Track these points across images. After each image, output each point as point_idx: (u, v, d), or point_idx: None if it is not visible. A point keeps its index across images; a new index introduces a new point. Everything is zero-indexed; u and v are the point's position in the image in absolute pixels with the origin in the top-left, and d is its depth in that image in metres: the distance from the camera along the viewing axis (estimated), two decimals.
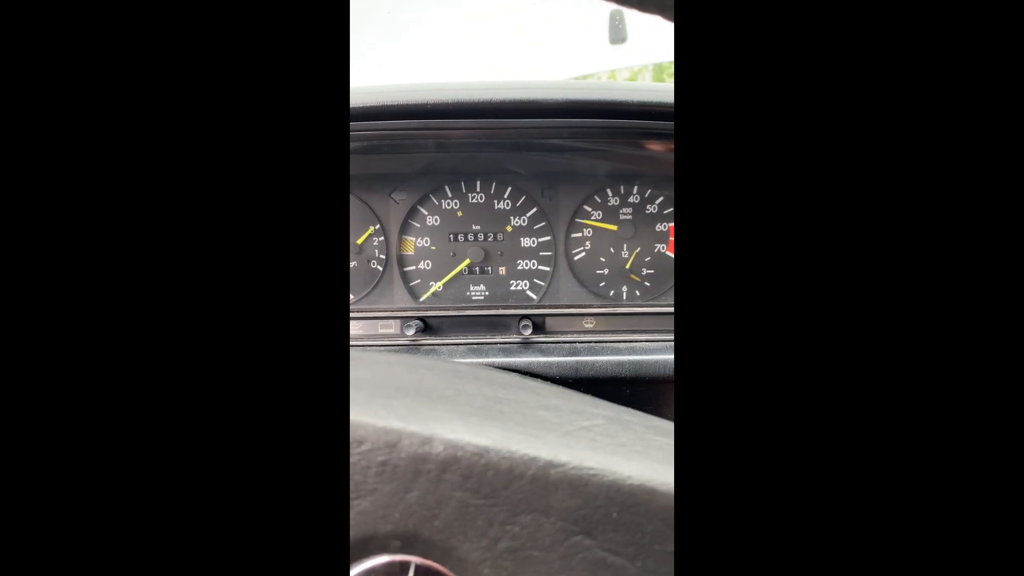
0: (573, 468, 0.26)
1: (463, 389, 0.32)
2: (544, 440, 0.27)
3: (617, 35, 1.67)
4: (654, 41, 1.72)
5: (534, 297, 0.92)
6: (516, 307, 0.91)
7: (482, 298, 0.92)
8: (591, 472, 0.26)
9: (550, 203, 0.91)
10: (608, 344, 0.88)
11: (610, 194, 0.90)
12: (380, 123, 0.75)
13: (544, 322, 0.91)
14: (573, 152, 0.88)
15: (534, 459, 0.26)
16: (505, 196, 0.90)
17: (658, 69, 2.13)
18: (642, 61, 1.99)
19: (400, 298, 0.92)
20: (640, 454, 0.28)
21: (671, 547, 0.25)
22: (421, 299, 0.92)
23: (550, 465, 0.26)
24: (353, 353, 0.33)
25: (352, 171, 0.88)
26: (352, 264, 0.92)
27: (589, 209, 0.90)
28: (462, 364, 0.34)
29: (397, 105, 0.73)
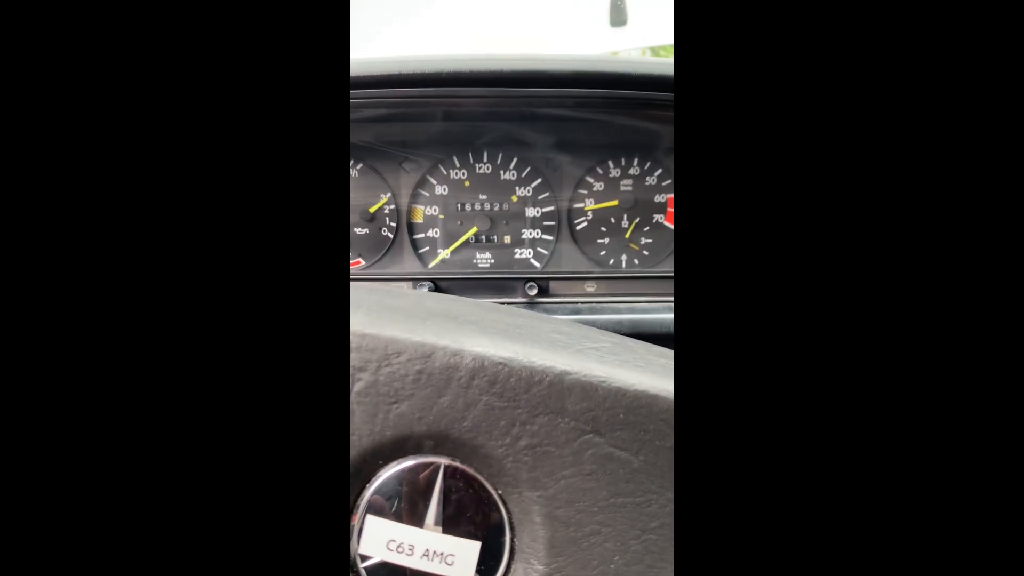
0: (585, 376, 0.30)
1: (486, 316, 0.35)
2: (559, 354, 0.31)
3: (618, 17, 1.67)
4: (655, 24, 1.73)
5: (537, 265, 0.96)
6: (520, 274, 0.95)
7: (488, 266, 0.96)
8: (600, 379, 0.30)
9: (554, 174, 0.94)
10: (608, 304, 0.92)
11: (611, 165, 0.93)
12: (396, 91, 0.78)
13: (548, 286, 0.95)
14: (577, 123, 0.91)
15: (551, 368, 0.30)
16: (511, 167, 0.94)
17: (655, 53, 2.13)
18: (643, 44, 2.00)
19: (410, 264, 0.96)
20: (643, 368, 0.32)
21: (670, 443, 0.29)
22: (430, 265, 0.96)
23: (565, 373, 0.30)
24: (386, 286, 0.36)
25: (365, 140, 0.91)
26: (364, 231, 0.95)
27: (591, 180, 0.94)
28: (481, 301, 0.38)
29: (413, 73, 0.76)
